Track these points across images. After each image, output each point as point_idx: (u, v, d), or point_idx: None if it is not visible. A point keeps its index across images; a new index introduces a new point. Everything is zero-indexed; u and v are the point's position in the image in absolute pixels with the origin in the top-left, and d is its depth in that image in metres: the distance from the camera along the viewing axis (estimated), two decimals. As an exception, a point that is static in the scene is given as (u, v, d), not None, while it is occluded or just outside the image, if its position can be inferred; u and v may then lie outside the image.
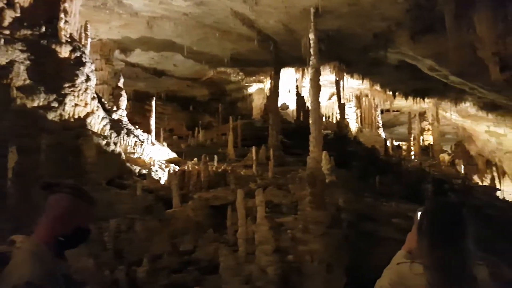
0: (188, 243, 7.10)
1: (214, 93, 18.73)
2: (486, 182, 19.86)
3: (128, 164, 10.54)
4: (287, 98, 19.27)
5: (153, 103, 15.13)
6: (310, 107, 7.85)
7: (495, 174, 20.15)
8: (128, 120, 12.75)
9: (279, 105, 15.24)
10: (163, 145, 13.49)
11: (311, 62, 8.59)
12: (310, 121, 7.29)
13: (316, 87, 7.67)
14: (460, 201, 1.71)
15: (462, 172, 19.55)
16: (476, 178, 20.30)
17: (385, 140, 18.37)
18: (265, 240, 5.56)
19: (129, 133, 11.50)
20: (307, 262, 5.54)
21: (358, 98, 19.96)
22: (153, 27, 12.12)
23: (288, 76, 16.04)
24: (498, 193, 18.00)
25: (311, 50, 8.83)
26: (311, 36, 8.98)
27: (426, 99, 16.22)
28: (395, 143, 21.52)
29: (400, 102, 17.92)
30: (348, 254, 6.95)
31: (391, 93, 16.02)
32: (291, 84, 17.05)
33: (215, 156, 11.30)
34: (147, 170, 10.83)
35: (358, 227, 8.46)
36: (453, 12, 8.21)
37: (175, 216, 7.89)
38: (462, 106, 15.85)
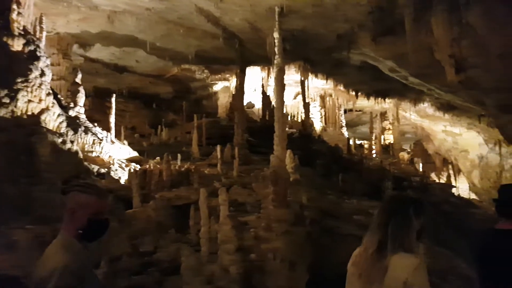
0: (148, 244, 6.93)
1: (178, 90, 18.38)
2: (443, 180, 20.77)
3: (85, 163, 10.13)
4: (253, 96, 19.27)
5: (113, 99, 14.64)
6: (274, 106, 7.87)
7: (451, 172, 21.11)
8: (87, 117, 12.28)
9: (244, 103, 15.21)
10: (124, 144, 13.11)
11: (275, 61, 8.62)
12: (274, 120, 7.29)
13: (280, 86, 7.70)
14: (407, 197, 1.83)
15: (421, 170, 20.33)
16: (433, 176, 21.18)
17: (348, 139, 18.78)
18: (228, 239, 5.51)
19: (87, 130, 11.08)
20: (270, 260, 5.54)
21: (323, 98, 20.28)
22: (114, 21, 11.72)
23: (254, 75, 16.02)
24: (453, 190, 18.88)
25: (276, 49, 8.87)
26: (276, 35, 9.01)
27: (387, 100, 16.67)
28: (358, 142, 22.06)
29: (363, 102, 18.35)
30: (310, 251, 7.02)
31: (354, 93, 16.37)
32: (257, 83, 17.06)
33: (179, 155, 11.11)
34: (106, 169, 10.47)
35: (321, 225, 8.58)
36: (412, 15, 8.46)
37: (135, 217, 7.67)
38: (421, 107, 16.40)
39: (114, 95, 15.27)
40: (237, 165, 10.14)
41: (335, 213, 10.00)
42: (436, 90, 12.39)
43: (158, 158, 10.77)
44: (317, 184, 11.91)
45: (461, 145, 19.13)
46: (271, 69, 14.15)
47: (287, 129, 17.25)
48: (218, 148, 11.12)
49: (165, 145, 13.89)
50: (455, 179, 20.64)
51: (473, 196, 19.30)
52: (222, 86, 18.72)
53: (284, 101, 8.23)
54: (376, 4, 9.45)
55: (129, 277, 6.11)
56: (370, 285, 1.62)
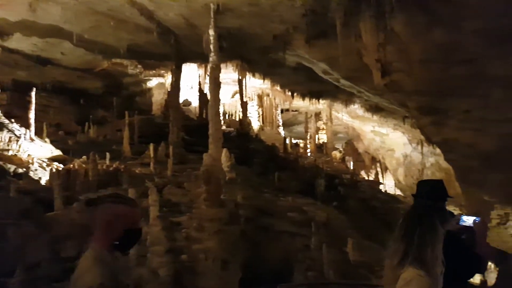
0: (71, 248, 6.46)
1: (109, 85, 17.39)
2: (371, 177, 21.99)
3: (0, 163, 9.23)
4: (189, 94, 18.91)
5: (33, 94, 13.49)
6: (209, 104, 7.75)
7: (379, 169, 22.40)
8: (4, 113, 11.25)
9: (180, 101, 14.86)
10: (46, 141, 12.14)
11: (210, 59, 8.51)
12: (209, 118, 7.17)
13: (215, 84, 7.59)
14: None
15: (351, 168, 21.34)
16: (363, 173, 22.34)
17: (285, 138, 19.18)
18: (157, 240, 5.31)
19: (2, 127, 10.12)
20: (202, 260, 5.43)
21: (260, 97, 20.51)
22: (37, 10, 10.78)
23: (191, 72, 15.73)
24: (381, 187, 20.07)
25: (211, 47, 8.74)
26: (211, 32, 8.88)
27: (321, 100, 17.18)
28: (294, 141, 22.64)
29: (298, 103, 18.80)
30: (244, 249, 7.02)
31: (290, 93, 16.70)
32: (193, 80, 16.76)
33: (107, 154, 10.52)
34: (25, 169, 9.60)
35: (256, 222, 8.63)
36: (342, 20, 8.76)
37: (57, 220, 7.11)
38: (352, 108, 17.08)
39: (35, 89, 14.06)
40: (171, 164, 9.85)
41: (270, 210, 10.12)
42: (365, 92, 13.01)
43: (84, 157, 10.11)
44: (253, 183, 11.99)
45: (388, 144, 20.20)
46: (208, 67, 13.98)
47: (224, 128, 17.27)
48: (151, 146, 10.73)
49: (93, 144, 13.07)
50: (383, 176, 21.94)
51: (398, 192, 20.58)
52: (157, 82, 18.10)
53: (219, 99, 8.14)
54: (310, 7, 9.69)
55: (49, 284, 5.70)
56: None
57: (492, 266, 10.15)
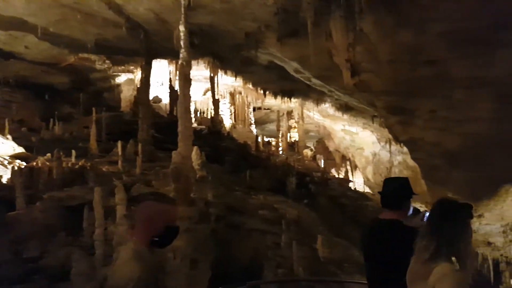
0: (34, 249, 6.22)
1: (75, 81, 16.80)
2: (342, 175, 22.39)
3: (-43, 160, 8.76)
4: (160, 91, 18.59)
5: (-6, 89, 12.87)
6: (178, 101, 7.63)
7: (348, 167, 22.83)
8: (-37, 108, 10.63)
9: (150, 97, 14.58)
10: (7, 138, 11.61)
11: (181, 55, 8.39)
12: (178, 115, 7.07)
13: (185, 81, 7.48)
14: (458, 202, 1.82)
15: (322, 166, 21.64)
16: (333, 171, 22.71)
17: (257, 136, 19.22)
18: (124, 240, 5.18)
19: (-40, 123, 9.58)
20: (170, 259, 5.35)
21: (232, 95, 20.44)
22: (-2, 1, 10.30)
23: (161, 68, 15.45)
24: (350, 184, 20.45)
25: (182, 43, 8.61)
26: (182, 28, 8.76)
27: (292, 99, 17.28)
28: (266, 140, 22.73)
29: (271, 101, 18.85)
30: (215, 247, 6.98)
31: (262, 91, 16.72)
32: (164, 77, 16.48)
33: (73, 151, 10.18)
34: (-16, 167, 9.16)
35: (227, 221, 8.60)
36: (313, 19, 8.84)
37: (18, 220, 6.82)
38: (323, 107, 17.28)
39: (-4, 84, 13.42)
40: (140, 162, 9.65)
41: (241, 209, 10.12)
42: (335, 91, 13.21)
43: (48, 154, 9.72)
44: (225, 181, 11.95)
45: (357, 143, 20.58)
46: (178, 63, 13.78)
47: (196, 125, 17.09)
48: (119, 144, 10.46)
49: (58, 141, 12.58)
50: (352, 174, 22.38)
51: (367, 189, 21.06)
52: (126, 78, 17.64)
53: (190, 96, 8.04)
54: (281, 5, 9.72)
55: (11, 286, 5.49)
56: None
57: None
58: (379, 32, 7.97)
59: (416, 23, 7.15)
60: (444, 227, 1.65)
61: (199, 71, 15.08)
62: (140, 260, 1.51)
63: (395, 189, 2.26)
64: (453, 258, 1.60)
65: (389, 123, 10.59)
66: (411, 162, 13.60)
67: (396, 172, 18.33)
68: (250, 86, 16.76)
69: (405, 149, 12.39)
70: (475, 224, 10.64)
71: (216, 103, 16.89)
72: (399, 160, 18.15)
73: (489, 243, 10.56)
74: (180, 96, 7.43)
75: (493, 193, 9.15)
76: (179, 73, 7.68)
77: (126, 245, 1.61)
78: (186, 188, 5.91)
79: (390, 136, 13.35)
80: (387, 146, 18.36)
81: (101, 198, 5.96)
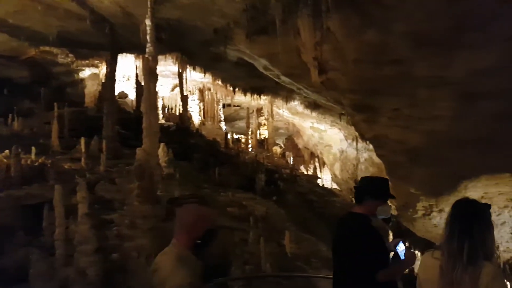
0: (-12, 250, 5.91)
1: (36, 75, 16.08)
2: (310, 172, 22.71)
3: None
4: (126, 86, 18.13)
5: None
6: (143, 96, 7.46)
7: (317, 164, 23.17)
8: None
9: (116, 93, 14.20)
10: (-37, 134, 11.01)
11: (147, 50, 8.20)
12: (143, 111, 6.91)
13: (150, 76, 7.32)
14: (480, 202, 1.83)
15: (291, 163, 21.85)
16: (302, 168, 22.99)
17: (226, 133, 19.14)
18: (86, 239, 5.03)
19: None
20: (133, 258, 5.23)
21: (201, 92, 20.24)
22: (-49, -11, 9.69)
23: (128, 63, 15.08)
24: (318, 181, 20.78)
25: (148, 38, 8.43)
26: (148, 22, 8.58)
27: (262, 96, 17.35)
28: (235, 137, 22.68)
29: (240, 98, 18.83)
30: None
31: (231, 88, 16.66)
32: (130, 72, 16.08)
33: (33, 148, 9.75)
34: None
35: (194, 218, 8.51)
36: (281, 17, 8.86)
37: (-28, 220, 6.46)
38: (292, 104, 17.43)
39: None
40: (104, 159, 9.38)
41: (210, 206, 10.04)
42: (304, 89, 13.34)
43: (7, 151, 9.27)
44: (193, 178, 11.83)
45: (325, 140, 20.91)
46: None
47: (164, 122, 16.81)
48: (82, 140, 10.12)
49: (17, 137, 12.01)
50: (320, 171, 22.74)
51: (335, 186, 21.47)
52: (90, 73, 17.07)
53: (156, 92, 7.88)
54: (250, 2, 9.68)
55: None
56: None
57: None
58: (345, 31, 8.08)
59: (380, 23, 7.28)
60: (475, 228, 1.67)
61: (167, 66, 14.85)
62: (187, 266, 1.53)
63: (361, 185, 2.38)
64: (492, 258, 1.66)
65: (355, 121, 10.78)
66: (376, 159, 13.95)
67: (362, 169, 18.76)
68: (220, 82, 16.66)
69: (371, 146, 12.69)
70: (436, 218, 11.11)
71: (184, 99, 16.66)
72: (365, 157, 18.55)
73: (448, 237, 11.04)
74: (145, 91, 7.26)
75: (453, 189, 9.53)
76: (144, 68, 7.51)
77: (165, 252, 1.60)
78: (150, 185, 5.79)
79: (357, 133, 13.64)
80: (354, 143, 18.74)
81: (62, 197, 5.74)
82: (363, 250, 2.09)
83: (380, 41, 7.70)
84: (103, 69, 15.23)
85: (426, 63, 7.47)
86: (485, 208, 1.77)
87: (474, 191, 9.37)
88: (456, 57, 6.78)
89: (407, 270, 2.80)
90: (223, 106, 21.85)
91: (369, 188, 2.33)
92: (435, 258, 1.75)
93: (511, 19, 5.05)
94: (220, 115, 21.41)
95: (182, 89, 16.19)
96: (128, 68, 15.80)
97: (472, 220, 1.69)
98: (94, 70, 16.77)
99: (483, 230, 1.69)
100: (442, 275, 1.70)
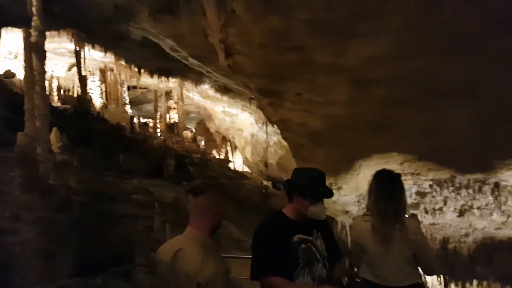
0: None
1: None
2: (222, 156, 22.84)
3: None
4: (14, 64, 16.10)
5: None
6: (24, 75, 6.66)
7: (229, 148, 23.38)
8: None
9: (1, 72, 12.55)
10: None
11: (33, 23, 7.31)
12: (24, 91, 6.18)
13: (36, 52, 6.55)
14: (395, 172, 2.24)
15: (203, 147, 21.71)
16: (214, 152, 23.02)
17: (132, 117, 18.23)
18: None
19: None
20: (19, 253, 4.72)
21: (103, 72, 18.85)
22: None
23: (14, 39, 13.38)
24: (230, 165, 21.02)
25: (34, 10, 7.52)
26: (34, -9, 7.62)
27: (170, 79, 16.81)
28: (143, 121, 21.74)
29: (147, 80, 18.03)
30: (78, 237, 6.45)
31: (136, 69, 15.83)
32: (19, 48, 14.28)
33: None
34: None
35: (94, 208, 8.01)
36: (186, -3, 8.58)
37: None
38: (202, 88, 17.22)
39: None
40: (-15, 146, 8.26)
41: (112, 194, 9.55)
42: (213, 72, 13.23)
43: None
44: (93, 165, 11.09)
45: (237, 124, 21.14)
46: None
47: (60, 104, 15.35)
48: (-43, 125, 8.79)
49: None
50: (232, 155, 23.03)
51: (246, 169, 21.94)
52: (-32, 48, 14.85)
53: (45, 71, 7.10)
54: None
55: None
56: (390, 244, 2.06)
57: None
58: (250, 15, 8.09)
59: (283, 9, 7.44)
60: (395, 192, 2.13)
61: (62, 44, 13.54)
62: (213, 254, 1.64)
63: (290, 180, 2.00)
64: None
65: (261, 105, 11.00)
66: (284, 142, 14.50)
67: (272, 152, 19.42)
68: (123, 63, 15.71)
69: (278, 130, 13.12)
70: (335, 196, 11.99)
71: (83, 80, 15.36)
72: (274, 140, 19.21)
73: (346, 212, 11.99)
74: (26, 69, 6.47)
75: (349, 168, 10.32)
76: (27, 43, 6.68)
77: (184, 242, 1.59)
78: (34, 173, 5.23)
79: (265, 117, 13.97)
80: (264, 127, 19.29)
81: None
82: (252, 249, 1.91)
83: (282, 27, 7.87)
84: (-17, 44, 13.29)
85: (325, 50, 7.85)
86: (399, 176, 2.18)
87: (368, 169, 10.25)
88: (350, 46, 7.23)
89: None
90: (128, 88, 20.69)
91: (296, 183, 1.95)
92: (365, 221, 2.16)
93: (398, 10, 5.50)
94: (125, 98, 20.25)
95: (80, 69, 14.88)
96: (15, 44, 14.02)
97: (392, 186, 2.13)
98: (-28, 45, 14.57)
99: (401, 194, 2.12)
100: (374, 232, 2.09)
